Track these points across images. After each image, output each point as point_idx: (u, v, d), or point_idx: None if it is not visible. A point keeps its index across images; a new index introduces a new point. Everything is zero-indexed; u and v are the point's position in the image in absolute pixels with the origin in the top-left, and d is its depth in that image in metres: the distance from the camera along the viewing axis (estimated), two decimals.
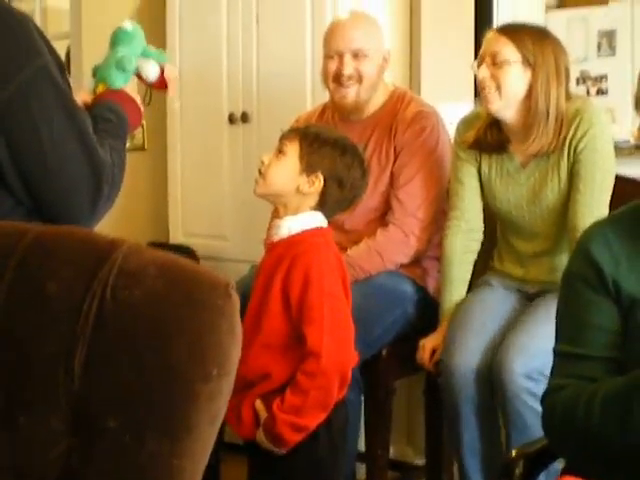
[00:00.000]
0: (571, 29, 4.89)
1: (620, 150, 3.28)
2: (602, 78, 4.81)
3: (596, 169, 2.48)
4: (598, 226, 1.56)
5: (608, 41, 4.79)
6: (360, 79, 2.83)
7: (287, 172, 2.23)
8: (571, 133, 2.50)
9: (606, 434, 1.33)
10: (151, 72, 2.06)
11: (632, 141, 3.36)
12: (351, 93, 2.85)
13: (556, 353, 1.51)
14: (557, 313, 1.55)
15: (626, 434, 1.31)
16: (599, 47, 4.84)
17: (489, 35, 2.58)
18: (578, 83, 4.89)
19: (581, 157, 2.49)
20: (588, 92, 4.86)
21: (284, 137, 2.27)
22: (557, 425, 1.44)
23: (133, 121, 1.98)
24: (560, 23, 4.97)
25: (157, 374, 1.24)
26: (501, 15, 3.81)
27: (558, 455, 1.56)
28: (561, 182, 2.53)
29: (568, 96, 2.56)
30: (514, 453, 1.65)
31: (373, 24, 2.93)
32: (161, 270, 1.30)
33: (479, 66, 2.55)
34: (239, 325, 1.31)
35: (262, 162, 2.26)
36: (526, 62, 2.51)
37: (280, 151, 2.25)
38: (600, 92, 4.83)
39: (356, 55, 2.82)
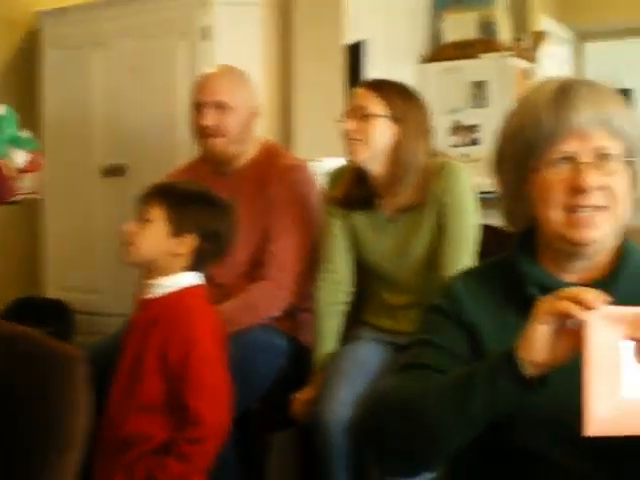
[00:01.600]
0: (444, 80, 5.02)
1: (490, 201, 3.36)
2: (475, 128, 4.94)
3: (461, 223, 2.54)
4: (463, 272, 1.64)
5: (480, 92, 4.94)
6: (223, 132, 2.83)
7: (155, 239, 2.21)
8: (436, 188, 2.55)
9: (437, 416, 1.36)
10: (19, 159, 2.04)
11: None
12: (216, 145, 2.85)
13: (398, 370, 1.55)
14: (409, 344, 1.60)
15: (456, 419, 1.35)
16: (472, 98, 4.97)
17: (358, 90, 2.63)
18: (452, 133, 5.02)
19: (446, 211, 2.54)
20: (462, 142, 4.99)
21: (145, 202, 2.24)
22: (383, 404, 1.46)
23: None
24: (434, 75, 5.10)
25: (6, 445, 1.22)
26: (374, 67, 3.89)
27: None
28: (428, 235, 2.57)
29: (433, 152, 2.62)
30: None
31: (240, 77, 2.93)
32: (9, 343, 1.27)
33: (347, 118, 2.59)
34: (87, 395, 1.28)
35: (126, 232, 2.23)
36: (394, 118, 2.55)
37: (144, 219, 2.22)
38: (473, 142, 4.95)
39: (219, 107, 2.83)
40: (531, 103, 1.47)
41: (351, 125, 2.56)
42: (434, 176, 2.55)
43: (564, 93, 1.44)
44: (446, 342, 1.50)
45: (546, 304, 1.27)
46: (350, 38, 3.76)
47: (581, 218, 1.42)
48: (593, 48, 7.17)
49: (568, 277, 1.48)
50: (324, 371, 2.62)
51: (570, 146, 1.42)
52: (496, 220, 2.86)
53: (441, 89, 5.04)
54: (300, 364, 2.80)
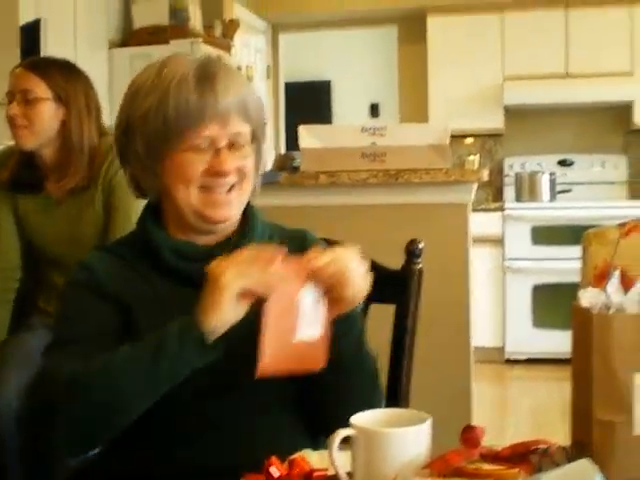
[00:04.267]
0: (134, 66, 4.98)
1: None
2: None
3: (129, 203, 2.52)
4: (98, 249, 1.69)
5: None
6: None
7: None
8: (105, 167, 2.52)
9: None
10: None
11: None
12: None
13: (49, 349, 1.52)
14: (55, 322, 1.60)
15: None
16: None
17: (17, 71, 2.53)
18: None
19: (114, 192, 2.52)
20: None
21: None
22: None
23: None
24: (124, 60, 5.05)
25: None
26: (56, 50, 3.78)
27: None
28: (97, 217, 2.54)
29: (102, 131, 2.59)
30: None
31: None
32: None
33: (10, 103, 2.49)
34: None
35: None
36: (57, 99, 2.49)
37: None
38: None
39: None
40: (167, 83, 1.48)
41: (15, 110, 2.48)
42: (103, 155, 2.52)
43: (206, 77, 1.48)
44: (92, 316, 1.50)
45: (227, 276, 1.32)
46: (27, 18, 3.64)
47: (218, 199, 1.50)
48: (288, 39, 7.39)
49: (201, 240, 1.55)
50: None
51: (211, 131, 1.47)
52: None
53: (132, 75, 5.00)
54: None
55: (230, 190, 1.51)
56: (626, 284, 1.38)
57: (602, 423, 1.30)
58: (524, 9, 6.34)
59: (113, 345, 1.43)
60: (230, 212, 1.52)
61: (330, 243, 1.65)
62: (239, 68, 5.64)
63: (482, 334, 6.02)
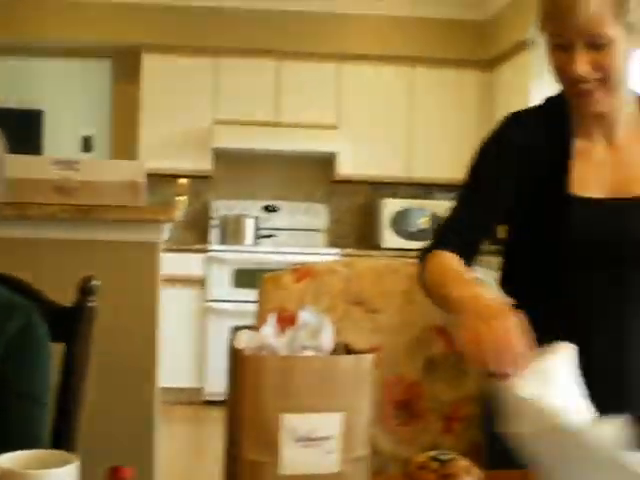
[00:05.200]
0: None
1: None
2: None
3: None
4: None
5: None
6: None
7: None
8: None
9: None
10: None
11: None
12: None
13: None
14: None
15: None
16: None
17: None
18: None
19: None
20: None
21: None
22: None
23: None
24: None
25: None
26: None
27: None
28: None
29: None
30: None
31: None
32: None
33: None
34: None
35: None
36: None
37: None
38: None
39: None
40: None
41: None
42: None
43: None
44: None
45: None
46: None
47: None
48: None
49: None
50: None
51: None
52: None
53: None
54: None
55: None
56: (282, 327, 1.42)
57: (251, 463, 1.32)
58: (239, 55, 6.48)
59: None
60: None
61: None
62: None
63: (181, 374, 6.02)
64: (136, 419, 2.86)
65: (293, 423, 1.31)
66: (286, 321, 1.44)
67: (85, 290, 1.80)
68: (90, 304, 1.80)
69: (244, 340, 1.39)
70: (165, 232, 2.94)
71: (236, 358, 1.35)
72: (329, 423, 1.33)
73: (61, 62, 7.56)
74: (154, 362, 2.88)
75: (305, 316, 1.43)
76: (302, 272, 1.99)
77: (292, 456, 1.31)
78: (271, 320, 1.42)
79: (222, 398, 6.03)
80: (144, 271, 2.86)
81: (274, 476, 1.32)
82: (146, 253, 2.86)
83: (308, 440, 1.31)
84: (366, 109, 6.57)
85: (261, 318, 2.00)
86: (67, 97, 8.58)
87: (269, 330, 1.40)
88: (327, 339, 1.40)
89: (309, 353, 1.37)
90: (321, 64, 6.55)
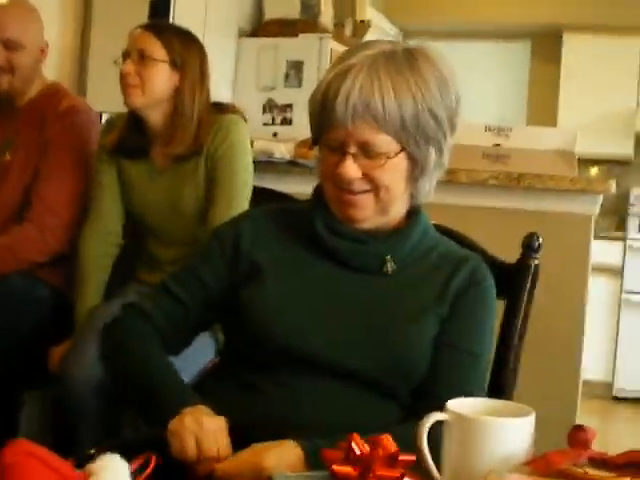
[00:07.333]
0: (261, 57, 4.96)
1: (276, 165, 3.32)
2: (288, 107, 4.90)
3: (232, 177, 2.45)
4: (256, 210, 1.70)
5: (296, 72, 4.89)
6: (12, 70, 2.66)
7: None
8: (210, 140, 2.45)
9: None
10: None
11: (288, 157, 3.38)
12: (1, 84, 2.67)
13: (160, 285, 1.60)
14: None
15: None
16: (287, 77, 4.93)
17: (136, 32, 2.49)
18: (265, 111, 4.96)
19: (219, 164, 2.44)
20: (273, 120, 4.93)
21: None
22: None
23: None
24: (252, 49, 5.03)
25: None
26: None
27: None
28: (198, 188, 2.47)
29: (211, 102, 2.53)
30: None
31: (30, 13, 2.75)
32: None
33: (124, 61, 2.45)
34: None
35: None
36: (173, 63, 2.45)
37: None
38: (285, 121, 4.91)
39: (8, 45, 2.65)
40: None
41: (128, 68, 2.43)
42: (210, 127, 2.46)
43: None
44: (206, 277, 1.54)
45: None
46: None
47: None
48: None
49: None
50: (80, 326, 2.47)
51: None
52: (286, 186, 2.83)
53: (258, 65, 4.98)
54: (64, 318, 2.63)
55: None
56: None
57: None
58: None
59: (207, 313, 1.54)
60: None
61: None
62: None
63: (589, 367, 5.77)
64: (557, 401, 2.74)
65: None
66: None
67: (529, 246, 1.71)
68: (534, 261, 1.71)
69: None
70: (599, 204, 2.78)
71: None
72: None
73: (474, 44, 7.58)
74: (580, 332, 2.73)
75: None
76: None
77: None
78: None
79: (633, 395, 5.71)
80: (574, 244, 2.72)
81: None
82: (578, 226, 2.72)
83: None
84: None
85: None
86: (483, 80, 8.60)
87: None
88: None
89: None
90: None
